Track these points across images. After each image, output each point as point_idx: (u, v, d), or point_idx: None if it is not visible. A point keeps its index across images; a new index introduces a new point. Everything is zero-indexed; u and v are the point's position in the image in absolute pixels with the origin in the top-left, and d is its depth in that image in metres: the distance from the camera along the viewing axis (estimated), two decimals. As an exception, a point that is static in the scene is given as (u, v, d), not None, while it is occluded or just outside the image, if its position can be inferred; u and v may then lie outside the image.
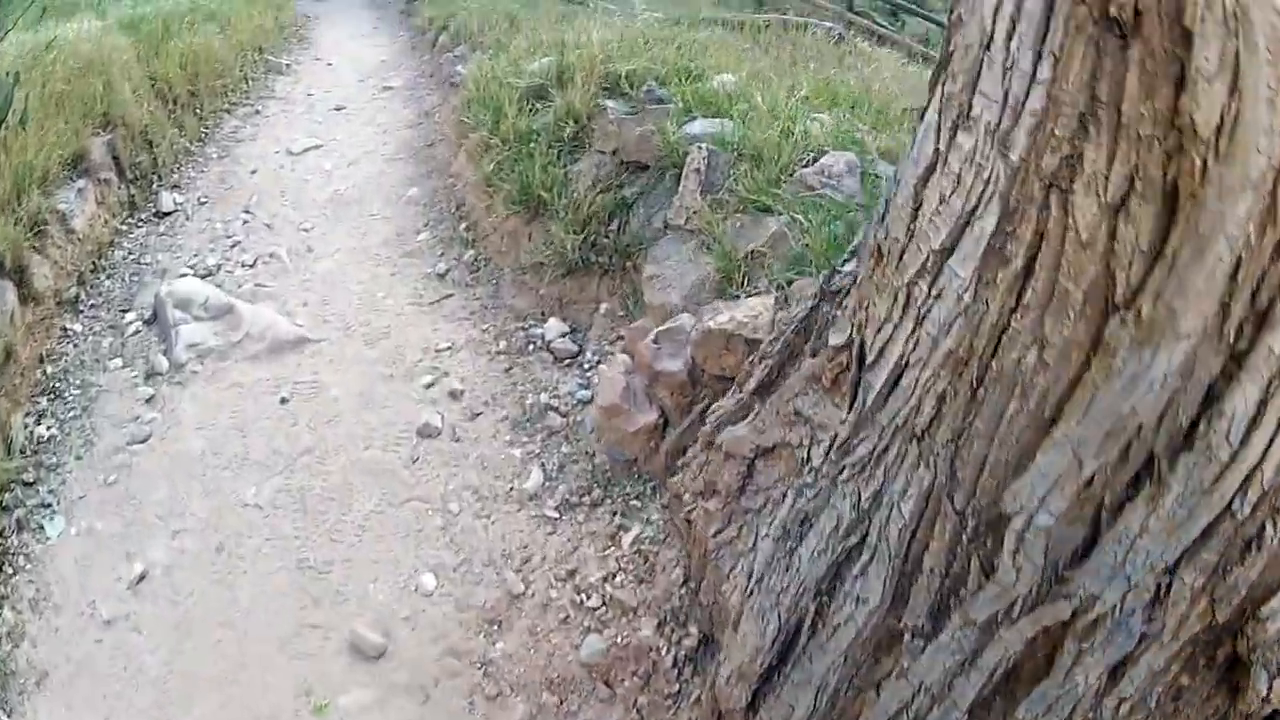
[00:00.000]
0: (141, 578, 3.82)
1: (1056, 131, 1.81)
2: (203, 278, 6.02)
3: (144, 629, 3.63)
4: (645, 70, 5.57)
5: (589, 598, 3.74)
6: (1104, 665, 2.02)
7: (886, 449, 2.48)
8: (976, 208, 2.08)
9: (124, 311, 5.71)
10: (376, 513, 4.18)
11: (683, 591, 3.65)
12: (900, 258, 2.34)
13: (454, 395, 4.91)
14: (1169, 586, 1.91)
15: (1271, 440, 1.77)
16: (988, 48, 1.96)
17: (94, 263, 6.07)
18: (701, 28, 6.78)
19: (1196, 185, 1.63)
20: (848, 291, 2.95)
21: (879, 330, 2.46)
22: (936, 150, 2.23)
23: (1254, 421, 1.76)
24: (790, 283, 3.87)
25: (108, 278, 6.08)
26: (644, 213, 4.86)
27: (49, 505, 4.22)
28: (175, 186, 7.47)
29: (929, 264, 2.23)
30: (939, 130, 2.22)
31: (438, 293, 5.80)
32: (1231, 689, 1.99)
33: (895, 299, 2.37)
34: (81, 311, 5.68)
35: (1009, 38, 1.92)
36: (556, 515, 4.18)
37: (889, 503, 2.42)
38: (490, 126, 6.23)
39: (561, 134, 5.60)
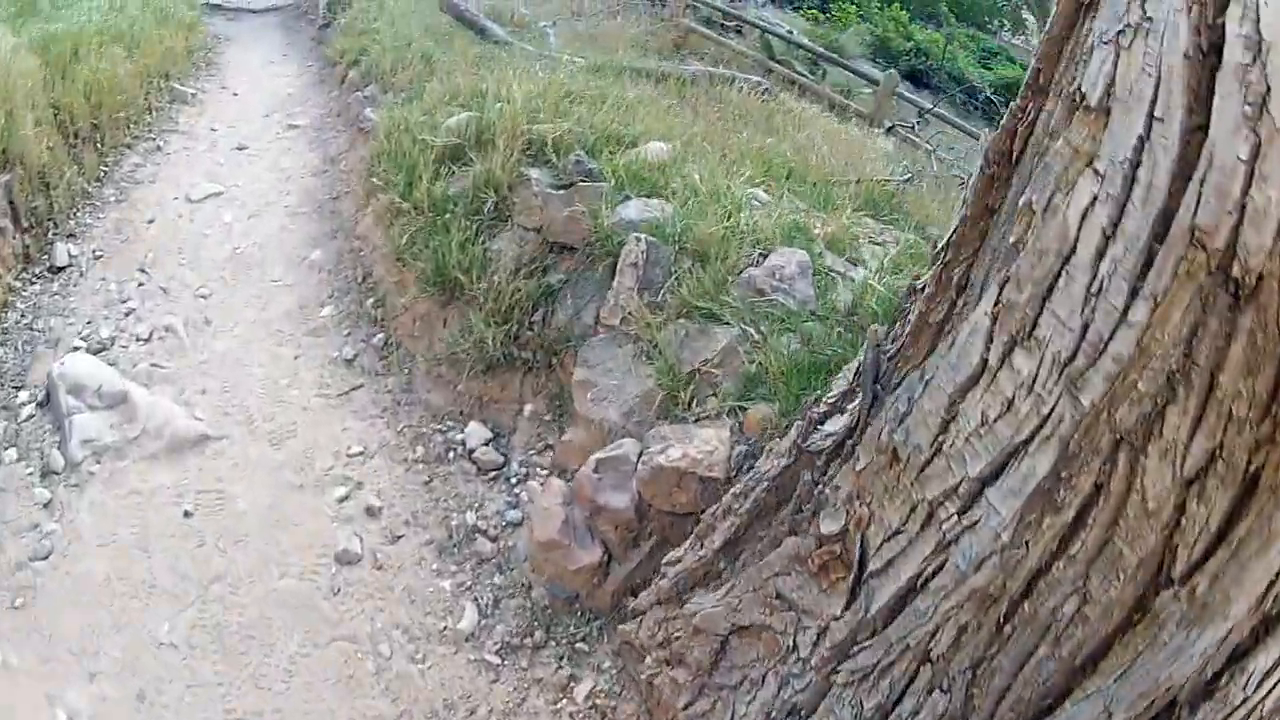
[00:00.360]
0: (66, 731, 3.27)
1: (1140, 385, 1.66)
2: (96, 353, 5.28)
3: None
4: (572, 136, 4.96)
5: (548, 759, 3.21)
6: None
7: (893, 664, 2.32)
8: (1029, 442, 1.91)
9: (17, 389, 4.99)
10: (302, 654, 3.62)
11: (651, 755, 3.15)
12: (922, 469, 2.16)
13: (371, 512, 4.27)
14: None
15: (1276, 684, 1.78)
16: (1068, 260, 1.76)
17: (-13, 325, 5.28)
18: (627, 80, 6.18)
19: (1280, 480, 1.50)
20: (831, 459, 2.62)
21: (887, 538, 2.28)
22: (984, 362, 2.00)
23: (1269, 673, 1.76)
24: (745, 409, 3.34)
25: (0, 345, 5.31)
26: (572, 304, 4.27)
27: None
28: (71, 236, 6.61)
29: (961, 489, 2.06)
30: (990, 339, 1.98)
31: (346, 382, 5.11)
32: None
33: (912, 511, 2.20)
34: (-27, 384, 4.93)
35: (1098, 257, 1.69)
36: (498, 660, 3.66)
37: (898, 720, 2.21)
38: (402, 190, 5.54)
39: (480, 205, 4.96)
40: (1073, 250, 1.74)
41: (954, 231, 2.31)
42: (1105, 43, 1.77)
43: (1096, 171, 1.72)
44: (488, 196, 4.96)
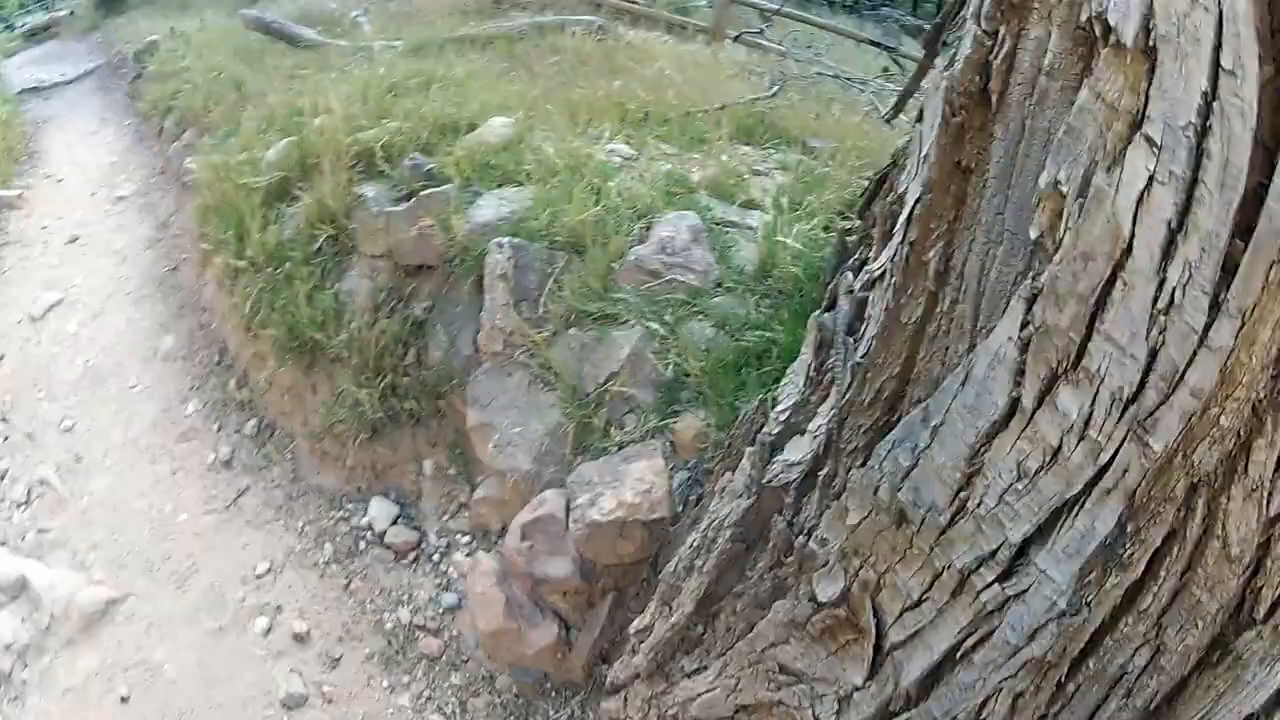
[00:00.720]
0: None
1: (1223, 420, 1.38)
2: (-21, 535, 4.50)
3: None
4: (403, 135, 4.12)
5: None
6: None
7: (943, 734, 1.94)
8: (1083, 495, 1.54)
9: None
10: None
11: None
12: (943, 532, 1.75)
13: (300, 639, 3.57)
14: None
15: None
16: (1122, 264, 1.40)
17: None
18: (451, 55, 5.27)
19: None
20: (801, 493, 2.12)
21: (908, 607, 1.86)
22: (1015, 402, 1.56)
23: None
24: (672, 426, 2.64)
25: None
26: (444, 334, 3.49)
27: None
28: (-84, 399, 5.69)
29: (999, 555, 1.66)
30: (1019, 373, 1.54)
31: (231, 487, 4.31)
32: None
33: (936, 578, 1.78)
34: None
35: (1165, 260, 1.34)
36: (496, 773, 3.04)
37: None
38: (234, 246, 4.68)
39: (318, 244, 4.13)
40: (1128, 250, 1.37)
41: (916, 202, 1.81)
42: None
43: (1150, 140, 1.35)
44: (322, 230, 4.13)
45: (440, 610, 3.43)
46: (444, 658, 3.35)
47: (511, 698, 3.18)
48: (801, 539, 2.07)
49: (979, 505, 1.65)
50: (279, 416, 4.39)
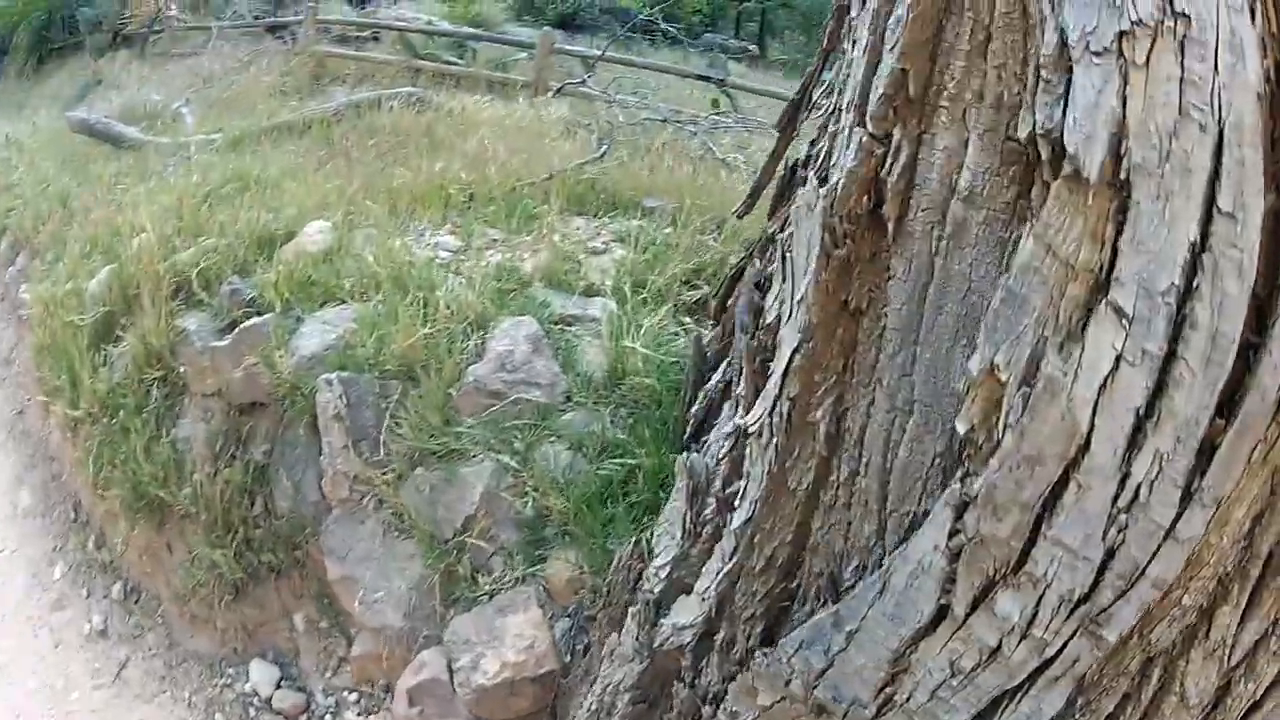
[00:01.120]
0: None
1: (1186, 600, 1.18)
2: None
3: None
4: (220, 255, 3.67)
5: None
6: None
7: None
8: (1026, 685, 1.27)
9: None
10: None
11: None
12: None
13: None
14: None
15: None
16: (1076, 464, 1.11)
17: None
18: (269, 146, 4.78)
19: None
20: (699, 657, 1.80)
21: None
22: (944, 609, 1.28)
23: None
24: (542, 571, 2.30)
25: None
26: (288, 480, 3.07)
27: None
28: None
29: None
30: (949, 581, 1.26)
31: (112, 659, 3.80)
32: None
33: None
34: None
35: (1130, 451, 1.09)
36: None
37: None
38: (68, 394, 4.16)
39: (149, 388, 3.66)
40: (1085, 447, 1.12)
41: (795, 352, 1.50)
42: (1095, 53, 1.06)
43: (1119, 311, 1.08)
44: (150, 372, 3.66)
45: (347, 775, 3.03)
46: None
47: None
48: (709, 709, 1.75)
49: (908, 699, 1.37)
50: (142, 578, 3.89)
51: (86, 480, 4.21)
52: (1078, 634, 1.19)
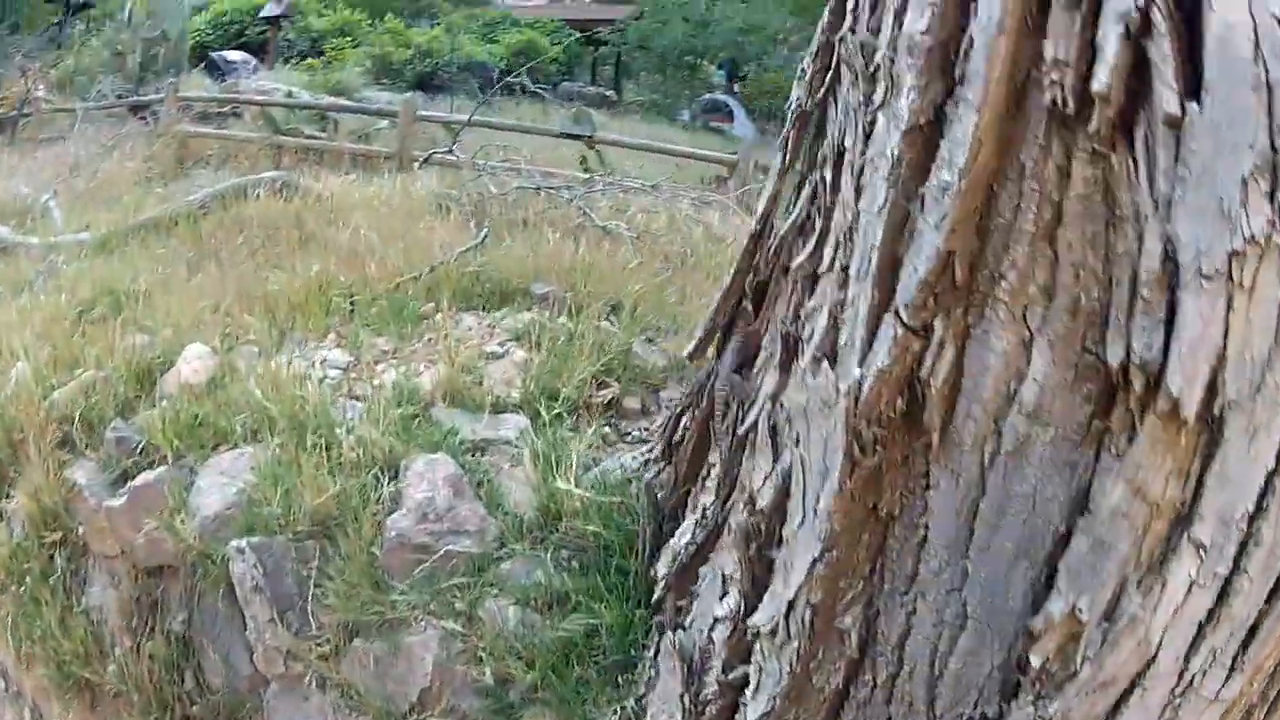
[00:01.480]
0: None
1: None
2: None
3: None
4: (99, 393, 3.24)
5: None
6: None
7: None
8: None
9: None
10: None
11: None
12: None
13: None
14: None
15: None
16: (1143, 676, 1.15)
17: None
18: (138, 250, 4.26)
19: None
20: None
21: None
22: None
23: None
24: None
25: None
26: (214, 653, 2.70)
27: None
28: None
29: None
30: None
31: (64, 847, 3.44)
32: None
33: None
34: None
35: (1189, 655, 1.13)
36: None
37: None
38: (-32, 559, 3.70)
39: (51, 553, 3.24)
40: (1152, 661, 1.11)
41: (816, 561, 1.35)
42: (1207, 276, 0.91)
43: (1199, 545, 1.04)
44: (48, 534, 3.24)
45: None
46: None
47: None
48: None
49: None
50: (87, 759, 3.51)
51: (11, 655, 3.79)
52: None
